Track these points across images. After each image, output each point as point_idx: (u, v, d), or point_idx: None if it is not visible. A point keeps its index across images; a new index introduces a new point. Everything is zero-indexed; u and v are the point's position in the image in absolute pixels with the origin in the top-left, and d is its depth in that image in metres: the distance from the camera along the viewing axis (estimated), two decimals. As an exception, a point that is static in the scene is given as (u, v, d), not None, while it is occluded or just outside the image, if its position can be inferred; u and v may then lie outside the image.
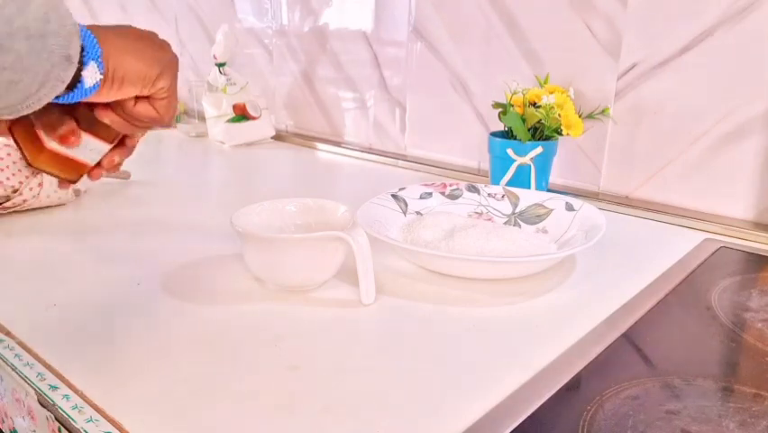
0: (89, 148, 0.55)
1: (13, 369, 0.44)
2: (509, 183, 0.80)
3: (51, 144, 0.53)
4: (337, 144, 1.20)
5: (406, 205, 0.73)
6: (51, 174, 0.56)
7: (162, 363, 0.45)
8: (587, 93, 0.85)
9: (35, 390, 0.42)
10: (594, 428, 0.37)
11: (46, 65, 0.37)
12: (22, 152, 0.55)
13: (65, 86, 0.39)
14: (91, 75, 0.41)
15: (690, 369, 0.44)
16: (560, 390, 0.42)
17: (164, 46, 0.49)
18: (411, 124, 1.10)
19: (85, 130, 0.54)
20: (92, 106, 0.52)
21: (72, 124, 0.52)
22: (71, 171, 0.54)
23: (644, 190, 0.84)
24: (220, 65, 1.24)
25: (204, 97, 1.25)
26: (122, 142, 0.56)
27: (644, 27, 0.79)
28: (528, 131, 0.80)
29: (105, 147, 0.57)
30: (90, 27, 0.42)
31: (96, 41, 0.41)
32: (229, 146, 1.23)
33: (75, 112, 0.54)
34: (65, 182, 0.56)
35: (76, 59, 0.39)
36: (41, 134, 0.54)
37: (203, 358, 0.46)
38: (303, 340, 0.49)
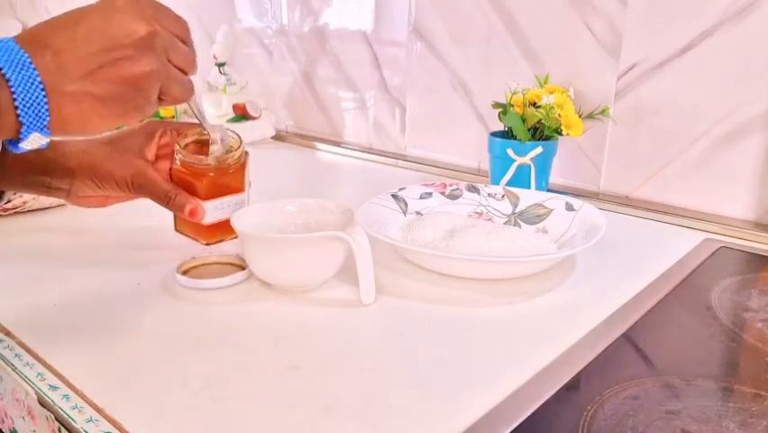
0: (227, 205, 0.62)
1: (13, 369, 0.44)
2: (509, 183, 0.80)
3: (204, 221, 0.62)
4: (337, 144, 1.20)
5: (406, 205, 0.73)
6: (222, 241, 0.65)
7: (162, 364, 0.45)
8: (587, 93, 0.85)
9: (35, 390, 0.42)
10: (594, 428, 0.37)
11: None
12: (195, 240, 0.65)
13: None
14: (33, 142, 0.39)
15: (690, 369, 0.44)
16: (560, 390, 0.42)
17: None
18: (411, 124, 1.10)
19: (211, 197, 0.61)
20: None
21: (191, 203, 0.58)
22: (232, 230, 0.58)
23: (644, 190, 0.84)
24: (220, 65, 1.24)
25: (204, 97, 1.25)
26: None
27: (644, 27, 0.79)
28: (528, 131, 0.80)
29: (242, 196, 0.63)
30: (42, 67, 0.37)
31: (43, 107, 0.37)
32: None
33: (197, 181, 0.59)
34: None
35: None
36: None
37: (203, 358, 0.46)
38: (303, 340, 0.49)
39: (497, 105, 0.85)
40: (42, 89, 0.37)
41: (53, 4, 1.89)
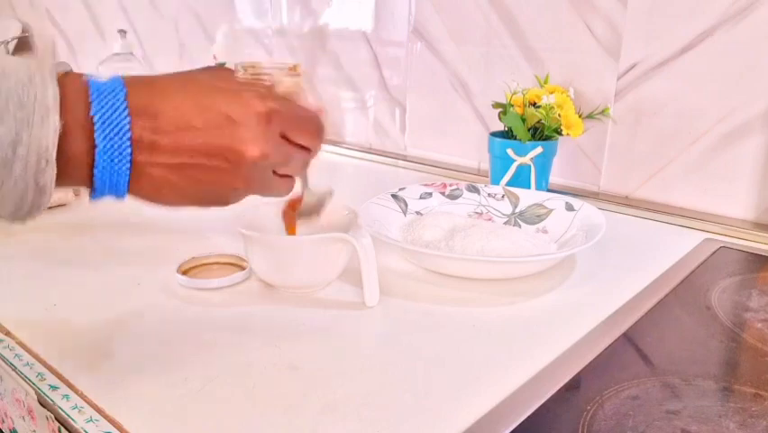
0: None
1: (13, 369, 0.44)
2: (509, 183, 0.80)
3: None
4: (337, 144, 1.20)
5: (406, 205, 0.73)
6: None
7: (162, 363, 0.45)
8: (587, 93, 0.85)
9: (35, 390, 0.42)
10: (594, 428, 0.37)
11: (17, 191, 0.32)
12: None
13: (42, 211, 0.34)
14: (103, 199, 0.36)
15: (690, 369, 0.44)
16: (560, 390, 0.42)
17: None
18: (411, 124, 1.10)
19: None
20: None
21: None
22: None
23: (644, 190, 0.84)
24: (220, 65, 1.24)
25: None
26: None
27: (644, 27, 0.79)
28: (528, 131, 0.80)
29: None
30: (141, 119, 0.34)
31: (123, 180, 0.34)
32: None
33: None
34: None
35: (49, 187, 0.33)
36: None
37: (203, 358, 0.46)
38: (303, 340, 0.49)
39: (497, 105, 0.85)
40: (129, 165, 0.34)
41: (53, 4, 1.90)
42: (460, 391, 0.42)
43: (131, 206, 0.65)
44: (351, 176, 1.05)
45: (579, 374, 0.44)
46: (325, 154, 1.18)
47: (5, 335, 0.49)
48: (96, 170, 0.34)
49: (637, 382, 0.42)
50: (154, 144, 0.35)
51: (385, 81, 1.12)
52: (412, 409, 0.40)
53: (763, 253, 0.67)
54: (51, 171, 0.32)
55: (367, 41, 1.13)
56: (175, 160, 0.35)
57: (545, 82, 0.88)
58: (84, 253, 0.66)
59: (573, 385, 0.42)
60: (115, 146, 0.34)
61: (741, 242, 0.70)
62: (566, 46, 0.86)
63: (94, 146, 0.33)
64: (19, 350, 0.47)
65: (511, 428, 0.38)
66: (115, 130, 0.33)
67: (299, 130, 0.40)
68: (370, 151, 1.15)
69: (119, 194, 0.36)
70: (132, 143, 0.34)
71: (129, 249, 0.68)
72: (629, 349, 0.48)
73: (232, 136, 0.36)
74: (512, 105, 0.82)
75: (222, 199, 0.39)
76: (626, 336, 0.49)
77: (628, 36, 0.80)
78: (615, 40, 0.81)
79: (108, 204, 0.64)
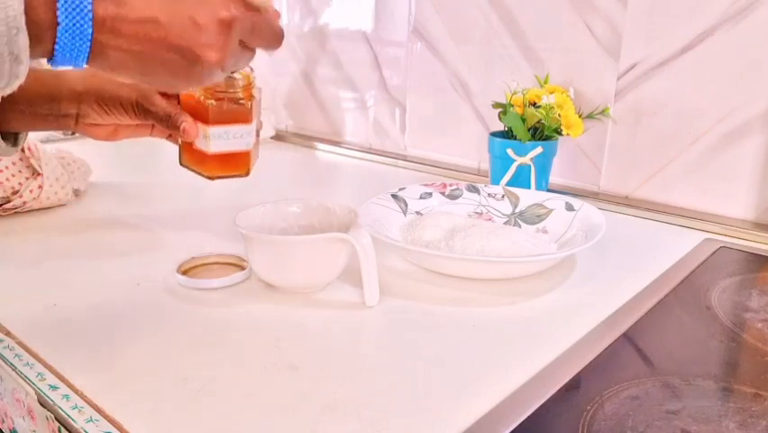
0: (233, 136, 0.59)
1: (13, 369, 0.44)
2: (509, 183, 0.80)
3: (199, 145, 0.59)
4: (337, 144, 1.20)
5: (406, 205, 0.73)
6: (226, 177, 0.61)
7: (162, 363, 0.45)
8: (587, 93, 0.85)
9: (35, 390, 0.42)
10: (594, 428, 0.37)
11: None
12: (199, 174, 0.62)
13: (21, 81, 0.35)
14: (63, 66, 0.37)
15: (690, 369, 0.44)
16: (560, 390, 0.42)
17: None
18: (411, 124, 1.10)
19: (217, 122, 0.58)
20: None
21: (186, 121, 0.56)
22: (237, 165, 0.59)
23: (644, 190, 0.84)
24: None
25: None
26: None
27: (644, 27, 0.79)
28: (528, 131, 0.80)
29: (248, 128, 0.60)
30: None
31: (83, 54, 0.36)
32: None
33: (203, 106, 0.57)
34: (242, 176, 0.60)
35: (24, 55, 0.34)
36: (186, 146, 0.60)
37: (203, 358, 0.46)
38: (303, 340, 0.49)
39: (497, 105, 0.85)
40: (89, 44, 0.35)
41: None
42: (460, 391, 0.42)
43: (131, 206, 0.65)
44: (351, 176, 1.05)
45: (579, 374, 0.44)
46: (326, 154, 1.18)
47: (5, 335, 0.49)
48: (56, 47, 0.35)
49: (637, 382, 0.42)
50: (116, 28, 0.36)
51: (385, 81, 1.12)
52: (412, 409, 0.40)
53: (763, 253, 0.67)
54: (24, 39, 0.33)
55: (367, 41, 1.13)
56: (134, 47, 0.37)
57: (545, 82, 0.88)
58: (84, 253, 0.66)
59: (573, 385, 0.42)
60: (77, 25, 0.35)
61: (741, 242, 0.70)
62: (566, 46, 0.86)
63: (57, 23, 0.34)
64: (19, 350, 0.47)
65: (511, 428, 0.38)
66: (78, 9, 0.35)
67: (259, 38, 0.43)
68: (370, 151, 1.15)
69: (77, 65, 0.37)
70: (93, 24, 0.35)
71: (129, 249, 0.68)
72: (629, 349, 0.48)
73: (193, 39, 0.38)
74: (512, 105, 0.82)
75: (170, 87, 0.44)
76: (626, 336, 0.49)
77: (628, 36, 0.80)
78: (615, 40, 0.81)
79: (108, 207, 0.64)
